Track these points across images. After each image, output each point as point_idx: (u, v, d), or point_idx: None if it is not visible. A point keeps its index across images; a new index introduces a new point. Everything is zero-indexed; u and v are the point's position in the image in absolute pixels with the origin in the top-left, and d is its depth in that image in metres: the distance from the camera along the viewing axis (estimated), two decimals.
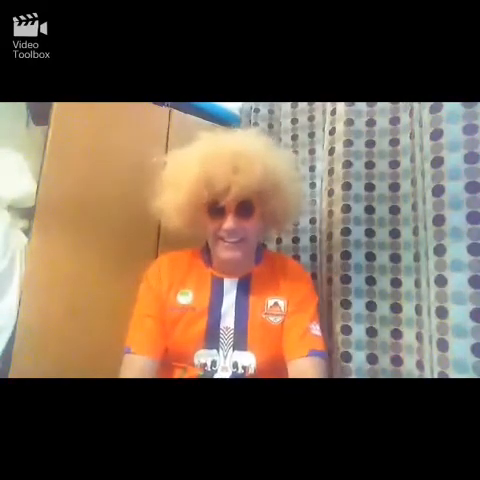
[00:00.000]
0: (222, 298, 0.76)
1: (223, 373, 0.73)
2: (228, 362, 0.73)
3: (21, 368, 0.81)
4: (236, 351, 0.73)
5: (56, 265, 0.89)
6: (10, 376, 0.79)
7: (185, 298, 0.75)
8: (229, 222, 0.68)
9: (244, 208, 0.69)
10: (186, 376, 0.74)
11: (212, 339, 0.74)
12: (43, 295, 0.87)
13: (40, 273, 0.87)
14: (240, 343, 0.74)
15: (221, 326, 0.74)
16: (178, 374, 0.76)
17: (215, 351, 0.74)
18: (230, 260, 0.72)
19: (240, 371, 0.73)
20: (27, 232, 0.93)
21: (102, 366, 0.74)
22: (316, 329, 0.72)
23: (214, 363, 0.73)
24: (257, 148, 0.70)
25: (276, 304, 0.75)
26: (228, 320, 0.74)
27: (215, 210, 0.69)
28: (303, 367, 0.68)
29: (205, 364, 0.73)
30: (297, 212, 0.83)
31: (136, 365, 0.70)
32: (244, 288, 0.77)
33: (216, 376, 0.73)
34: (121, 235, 0.97)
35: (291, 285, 0.77)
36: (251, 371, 0.72)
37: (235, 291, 0.76)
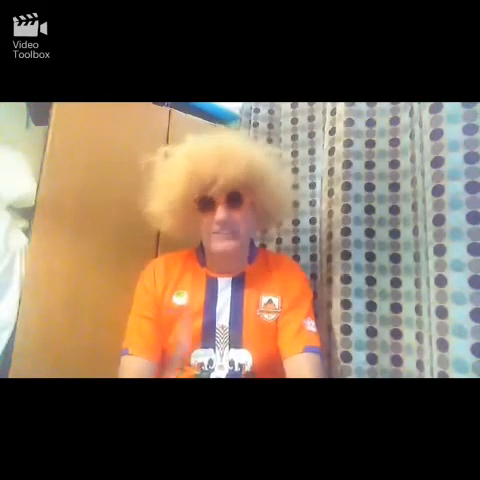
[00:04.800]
0: (217, 297, 0.76)
1: (220, 371, 0.73)
2: (224, 360, 0.74)
3: (21, 368, 0.81)
4: (232, 349, 0.74)
5: (56, 265, 0.89)
6: (10, 376, 0.79)
7: (180, 299, 0.76)
8: (220, 213, 0.69)
9: (233, 199, 0.70)
10: (183, 376, 0.74)
11: (208, 338, 0.74)
12: (43, 295, 0.87)
13: (40, 273, 0.87)
14: (236, 341, 0.74)
15: (217, 325, 0.75)
16: (175, 374, 0.76)
17: (211, 350, 0.74)
18: (224, 252, 0.71)
19: (237, 369, 0.73)
20: (27, 232, 0.93)
21: (102, 366, 0.74)
22: (311, 325, 0.73)
23: (211, 362, 0.74)
24: (240, 141, 0.73)
25: (270, 301, 0.76)
26: (223, 319, 0.75)
27: (205, 204, 0.70)
28: (298, 363, 0.69)
29: (202, 363, 0.74)
30: (287, 203, 0.84)
31: (134, 367, 0.70)
32: (238, 287, 0.77)
33: (213, 375, 0.73)
34: (121, 235, 0.97)
35: (285, 282, 0.78)
36: (247, 369, 0.73)
37: (229, 290, 0.77)
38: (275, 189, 0.74)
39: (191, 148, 0.72)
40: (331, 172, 0.88)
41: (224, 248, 0.71)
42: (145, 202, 0.74)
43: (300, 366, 0.68)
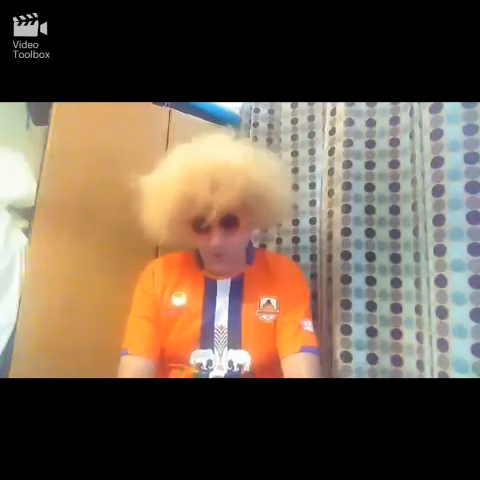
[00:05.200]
0: (215, 298, 0.76)
1: (218, 372, 0.73)
2: (223, 361, 0.74)
3: (21, 368, 0.80)
4: (231, 350, 0.74)
5: (56, 265, 0.89)
6: (10, 376, 0.79)
7: (179, 300, 0.76)
8: (215, 239, 0.67)
9: (229, 222, 0.68)
10: (182, 376, 0.75)
11: (207, 339, 0.74)
12: (43, 295, 0.86)
13: (40, 273, 0.87)
14: (235, 342, 0.74)
15: (215, 326, 0.75)
16: (175, 374, 0.76)
17: (210, 351, 0.74)
18: (220, 270, 0.75)
19: (235, 369, 0.73)
20: (27, 232, 0.93)
21: (102, 366, 0.74)
22: (308, 325, 0.73)
23: (210, 362, 0.74)
24: (237, 159, 0.66)
25: (268, 302, 0.76)
26: (222, 320, 0.75)
27: (200, 227, 0.69)
28: (295, 363, 0.69)
29: (201, 364, 0.74)
30: (287, 210, 0.83)
31: (133, 366, 0.70)
32: (237, 288, 0.77)
33: (211, 375, 0.73)
34: (121, 235, 0.97)
35: (283, 283, 0.78)
36: (246, 369, 0.73)
37: (228, 291, 0.77)
38: (275, 205, 0.72)
39: (184, 167, 0.67)
40: (331, 172, 0.88)
41: (220, 269, 0.74)
42: (140, 212, 0.73)
43: (297, 366, 0.69)
